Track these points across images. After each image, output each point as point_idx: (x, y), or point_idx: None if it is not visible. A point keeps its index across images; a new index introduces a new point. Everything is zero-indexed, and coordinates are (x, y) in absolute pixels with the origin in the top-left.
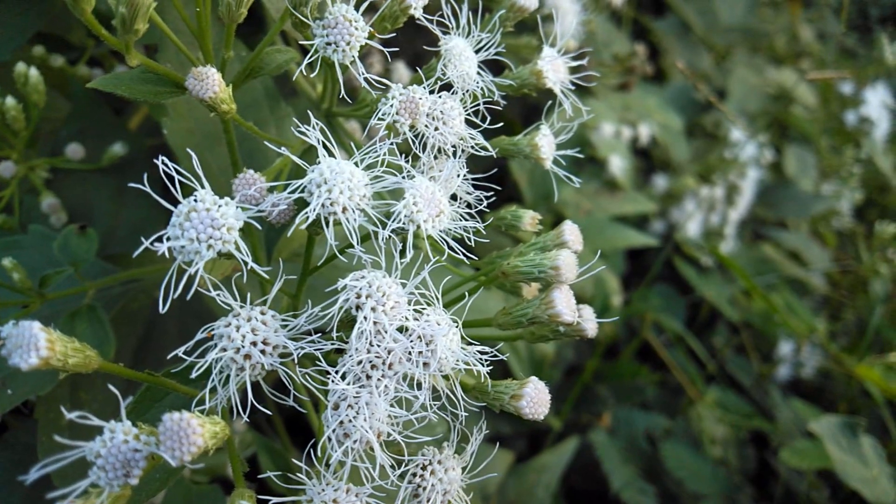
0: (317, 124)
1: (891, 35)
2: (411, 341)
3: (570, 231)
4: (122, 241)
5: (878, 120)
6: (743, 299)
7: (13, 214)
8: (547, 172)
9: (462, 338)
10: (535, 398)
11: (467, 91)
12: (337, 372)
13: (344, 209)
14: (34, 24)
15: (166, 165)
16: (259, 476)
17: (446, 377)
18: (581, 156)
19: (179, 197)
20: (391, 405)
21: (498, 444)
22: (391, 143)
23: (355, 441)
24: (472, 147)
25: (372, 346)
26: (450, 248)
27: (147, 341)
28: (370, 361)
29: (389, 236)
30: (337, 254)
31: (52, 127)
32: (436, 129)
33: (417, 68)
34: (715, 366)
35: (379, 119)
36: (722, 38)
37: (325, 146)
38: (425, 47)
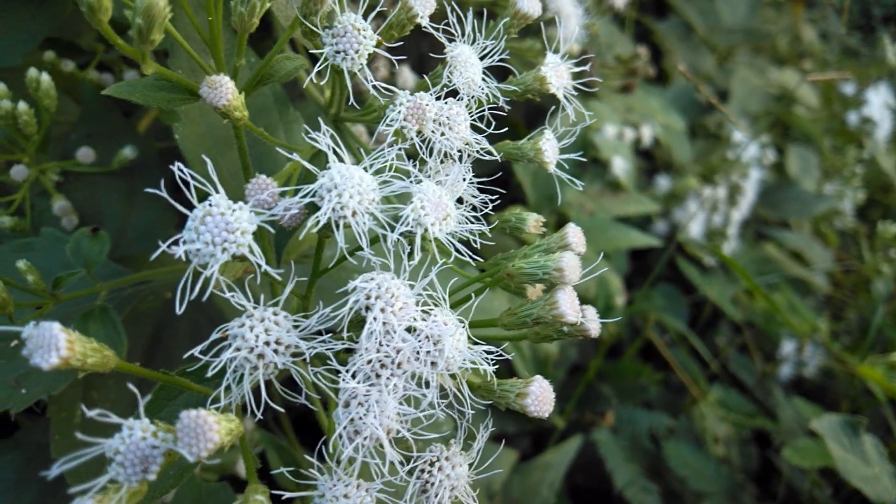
0: (327, 130)
1: (893, 35)
2: (419, 341)
3: (574, 233)
4: (133, 243)
5: (880, 120)
6: (745, 299)
7: (25, 217)
8: (550, 175)
9: (468, 337)
10: (540, 396)
11: (472, 97)
12: (347, 371)
13: (354, 213)
14: (44, 30)
15: (181, 171)
16: (269, 472)
17: (453, 376)
18: (584, 159)
19: (194, 201)
20: (400, 403)
21: (503, 442)
22: (399, 149)
23: (365, 438)
24: (478, 151)
25: (381, 345)
26: (456, 250)
27: (157, 342)
28: (380, 361)
29: (398, 239)
30: (347, 256)
31: (62, 130)
32: (442, 134)
33: (423, 74)
34: (717, 365)
35: (387, 125)
36: (724, 39)
37: (334, 151)
38: (431, 55)
